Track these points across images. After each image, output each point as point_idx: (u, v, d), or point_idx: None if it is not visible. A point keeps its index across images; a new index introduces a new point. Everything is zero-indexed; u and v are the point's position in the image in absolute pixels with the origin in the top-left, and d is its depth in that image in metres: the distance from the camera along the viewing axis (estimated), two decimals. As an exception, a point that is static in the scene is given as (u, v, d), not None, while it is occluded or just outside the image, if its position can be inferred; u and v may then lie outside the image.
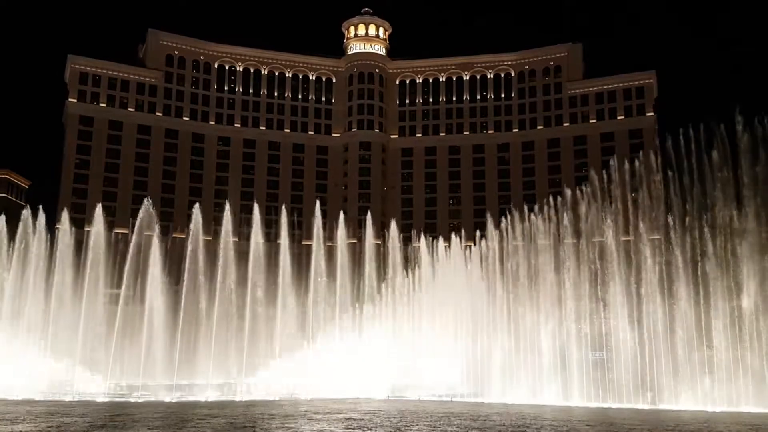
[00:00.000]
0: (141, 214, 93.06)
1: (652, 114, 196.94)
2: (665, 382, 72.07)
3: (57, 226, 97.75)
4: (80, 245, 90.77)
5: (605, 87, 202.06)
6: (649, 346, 73.68)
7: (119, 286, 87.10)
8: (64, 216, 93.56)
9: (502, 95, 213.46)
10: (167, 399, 71.85)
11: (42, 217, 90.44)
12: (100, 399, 71.28)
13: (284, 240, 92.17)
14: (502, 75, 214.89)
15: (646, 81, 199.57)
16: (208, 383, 79.16)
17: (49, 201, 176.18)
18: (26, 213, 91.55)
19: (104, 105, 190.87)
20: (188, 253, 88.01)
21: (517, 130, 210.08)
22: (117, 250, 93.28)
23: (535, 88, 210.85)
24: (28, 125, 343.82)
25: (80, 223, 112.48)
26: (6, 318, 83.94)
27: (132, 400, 70.50)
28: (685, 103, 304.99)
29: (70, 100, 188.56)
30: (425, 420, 50.04)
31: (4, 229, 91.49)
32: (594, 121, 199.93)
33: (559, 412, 60.66)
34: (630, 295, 75.41)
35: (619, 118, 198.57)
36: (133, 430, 41.80)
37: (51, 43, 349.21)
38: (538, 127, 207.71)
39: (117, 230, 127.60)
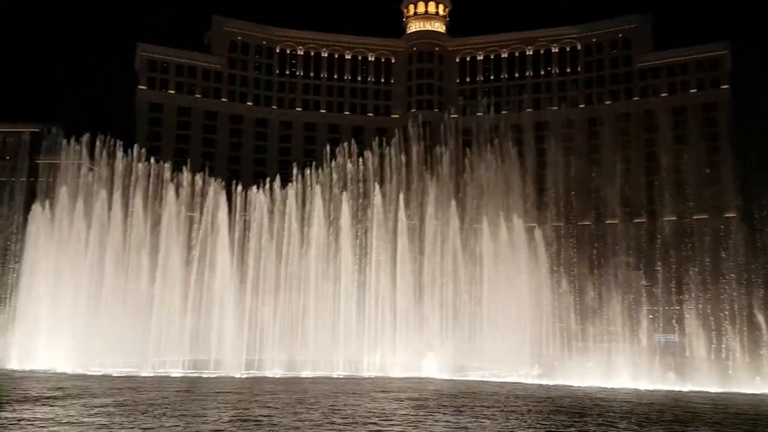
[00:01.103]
0: (209, 198, 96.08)
1: (726, 87, 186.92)
2: (740, 365, 69.09)
3: (131, 208, 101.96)
4: (151, 227, 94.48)
5: (677, 59, 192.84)
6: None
7: (189, 267, 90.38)
8: (137, 199, 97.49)
9: (568, 70, 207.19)
10: (237, 375, 74.37)
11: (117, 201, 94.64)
12: (175, 374, 74.55)
13: (346, 222, 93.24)
14: (568, 49, 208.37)
15: (720, 53, 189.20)
16: (274, 359, 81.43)
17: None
18: (102, 196, 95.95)
19: (173, 92, 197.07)
20: (252, 234, 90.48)
21: (583, 105, 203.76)
22: (189, 231, 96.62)
23: (603, 62, 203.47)
24: (101, 112, 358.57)
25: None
26: (86, 297, 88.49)
27: (204, 375, 73.29)
28: (762, 76, 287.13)
29: (140, 87, 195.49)
30: (488, 400, 49.86)
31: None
32: (665, 95, 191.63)
33: (629, 394, 59.20)
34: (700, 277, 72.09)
35: (691, 91, 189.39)
36: (207, 404, 43.56)
37: (121, 31, 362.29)
38: (606, 102, 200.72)
39: (187, 213, 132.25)
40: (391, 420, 37.57)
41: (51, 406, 41.08)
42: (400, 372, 78.25)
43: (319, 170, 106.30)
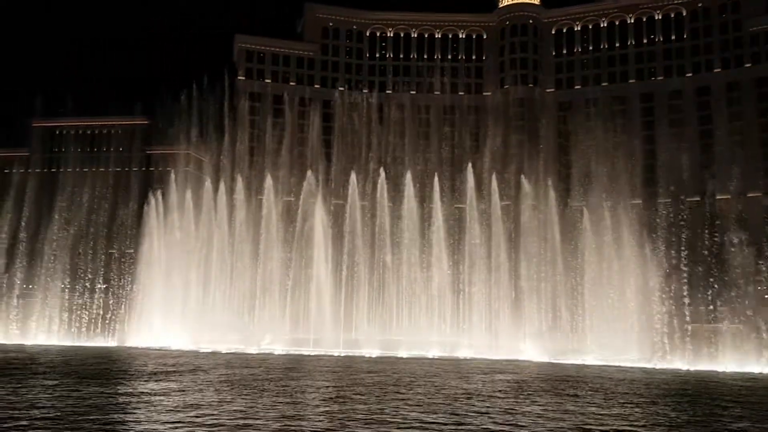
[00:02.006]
0: (305, 184, 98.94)
1: None
2: None
3: (234, 196, 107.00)
4: (253, 213, 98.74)
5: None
6: None
7: (289, 250, 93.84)
8: (239, 187, 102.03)
9: (673, 37, 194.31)
10: (335, 353, 76.67)
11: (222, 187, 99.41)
12: (278, 352, 77.90)
13: (437, 203, 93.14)
14: (672, 15, 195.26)
15: None
16: (371, 339, 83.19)
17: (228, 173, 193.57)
18: (208, 185, 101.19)
19: (269, 81, 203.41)
20: (348, 218, 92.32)
21: (690, 74, 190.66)
22: (288, 216, 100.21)
23: (711, 28, 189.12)
24: (202, 104, 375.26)
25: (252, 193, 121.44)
26: (196, 280, 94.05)
27: (305, 353, 76.12)
28: None
29: (239, 78, 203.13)
30: (589, 384, 48.58)
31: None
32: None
33: (741, 378, 55.68)
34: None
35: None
36: (307, 380, 45.25)
37: (218, 23, 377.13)
38: (715, 71, 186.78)
39: (285, 198, 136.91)
40: (493, 399, 37.50)
41: (165, 381, 44.23)
42: (500, 354, 77.63)
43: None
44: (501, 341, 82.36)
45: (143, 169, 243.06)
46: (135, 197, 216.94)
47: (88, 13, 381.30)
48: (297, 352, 76.31)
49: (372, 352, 78.65)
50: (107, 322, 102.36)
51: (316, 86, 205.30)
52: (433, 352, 78.30)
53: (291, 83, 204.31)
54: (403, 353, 78.11)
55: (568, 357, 79.72)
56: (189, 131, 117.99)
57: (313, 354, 74.46)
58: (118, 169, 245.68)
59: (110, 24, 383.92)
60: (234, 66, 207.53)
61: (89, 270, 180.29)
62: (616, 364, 73.44)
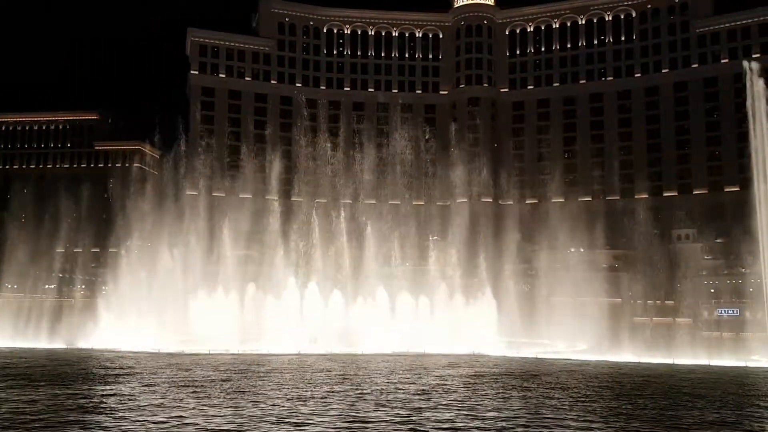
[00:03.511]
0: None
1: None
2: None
3: (187, 191, 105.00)
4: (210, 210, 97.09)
5: (738, 23, 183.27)
6: None
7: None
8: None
9: (623, 38, 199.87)
10: (293, 352, 76.07)
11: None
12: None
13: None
14: (622, 16, 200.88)
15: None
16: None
17: (179, 169, 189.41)
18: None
19: (223, 75, 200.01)
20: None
21: (639, 74, 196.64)
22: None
23: (660, 28, 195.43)
24: (155, 98, 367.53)
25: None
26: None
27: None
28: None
29: (192, 72, 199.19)
30: (553, 375, 49.56)
31: None
32: (726, 61, 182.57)
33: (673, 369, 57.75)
34: None
35: (755, 56, 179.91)
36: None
37: (172, 16, 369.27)
38: (664, 71, 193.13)
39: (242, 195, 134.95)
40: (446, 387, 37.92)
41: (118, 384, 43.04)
42: (458, 349, 78.26)
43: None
44: (461, 335, 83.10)
45: (92, 165, 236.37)
46: (84, 193, 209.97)
47: (35, 4, 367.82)
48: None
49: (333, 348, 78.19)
50: (57, 322, 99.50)
51: (273, 82, 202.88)
52: (395, 348, 78.31)
53: (247, 78, 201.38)
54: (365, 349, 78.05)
55: (522, 349, 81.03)
56: (140, 126, 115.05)
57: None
58: (66, 166, 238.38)
59: (59, 16, 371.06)
60: (187, 60, 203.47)
61: (39, 269, 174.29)
62: (576, 357, 75.08)
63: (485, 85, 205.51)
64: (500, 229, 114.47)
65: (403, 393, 38.95)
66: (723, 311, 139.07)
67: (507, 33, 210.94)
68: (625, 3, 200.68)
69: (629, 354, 73.43)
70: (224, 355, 70.50)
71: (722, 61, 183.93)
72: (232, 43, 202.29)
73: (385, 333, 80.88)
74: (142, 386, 41.22)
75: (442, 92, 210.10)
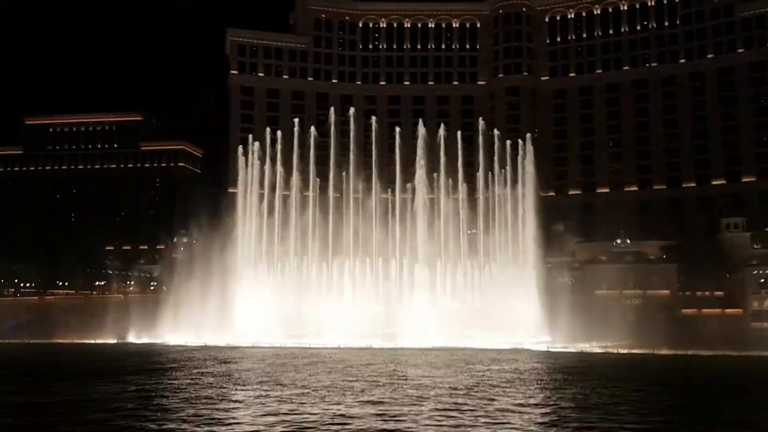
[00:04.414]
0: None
1: None
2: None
3: (229, 189, 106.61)
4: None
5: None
6: None
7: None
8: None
9: (666, 23, 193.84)
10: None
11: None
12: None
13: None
14: (665, 1, 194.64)
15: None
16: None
17: (222, 167, 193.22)
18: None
19: (262, 74, 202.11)
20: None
21: (684, 60, 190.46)
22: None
23: (703, 12, 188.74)
24: (196, 98, 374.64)
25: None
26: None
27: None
28: None
29: (231, 72, 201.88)
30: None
31: None
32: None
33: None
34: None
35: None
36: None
37: (211, 17, 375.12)
38: (708, 56, 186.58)
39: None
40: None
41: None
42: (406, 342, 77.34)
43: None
44: (419, 329, 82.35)
45: (138, 165, 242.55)
46: (132, 192, 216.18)
47: (73, 7, 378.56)
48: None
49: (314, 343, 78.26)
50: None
51: (310, 79, 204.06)
52: (371, 342, 77.76)
53: (284, 76, 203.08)
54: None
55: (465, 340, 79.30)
56: (182, 126, 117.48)
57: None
58: (113, 166, 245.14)
59: (98, 18, 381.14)
60: (227, 60, 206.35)
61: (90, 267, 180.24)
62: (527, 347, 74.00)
63: (525, 74, 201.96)
64: (543, 221, 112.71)
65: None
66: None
67: (547, 20, 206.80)
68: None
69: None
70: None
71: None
72: (270, 42, 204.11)
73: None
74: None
75: (480, 83, 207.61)
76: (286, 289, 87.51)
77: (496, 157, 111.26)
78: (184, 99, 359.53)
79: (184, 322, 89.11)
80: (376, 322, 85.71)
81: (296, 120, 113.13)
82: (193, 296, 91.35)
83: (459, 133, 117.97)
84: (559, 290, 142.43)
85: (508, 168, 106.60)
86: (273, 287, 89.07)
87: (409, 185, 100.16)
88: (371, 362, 55.27)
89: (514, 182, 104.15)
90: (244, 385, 39.75)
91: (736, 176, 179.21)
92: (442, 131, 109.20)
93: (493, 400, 34.66)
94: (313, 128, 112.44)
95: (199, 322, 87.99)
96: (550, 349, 74.95)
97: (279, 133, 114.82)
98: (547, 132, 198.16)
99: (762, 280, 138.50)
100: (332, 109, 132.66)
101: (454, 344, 76.47)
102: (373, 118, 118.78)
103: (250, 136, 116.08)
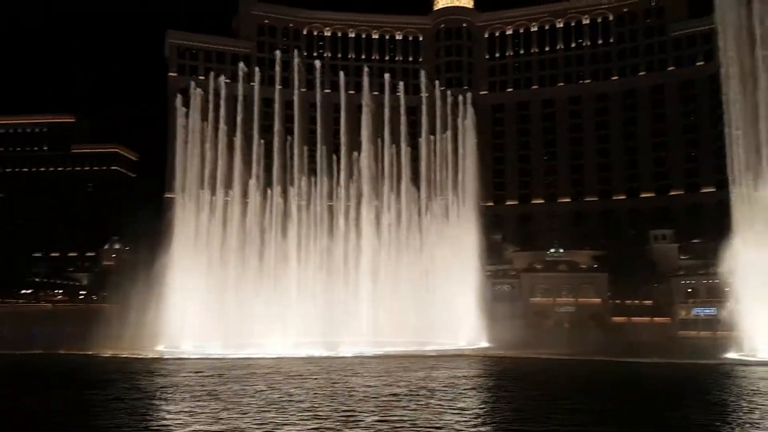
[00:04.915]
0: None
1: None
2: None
3: (165, 194, 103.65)
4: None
5: (714, 26, 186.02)
6: None
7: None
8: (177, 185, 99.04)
9: (600, 41, 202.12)
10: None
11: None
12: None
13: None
14: (599, 20, 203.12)
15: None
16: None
17: (158, 172, 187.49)
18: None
19: (202, 78, 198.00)
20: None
21: (616, 77, 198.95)
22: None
23: (636, 31, 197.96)
24: (133, 100, 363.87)
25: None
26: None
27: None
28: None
29: (170, 74, 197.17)
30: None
31: None
32: (702, 63, 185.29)
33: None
34: None
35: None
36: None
37: (151, 18, 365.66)
38: (640, 74, 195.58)
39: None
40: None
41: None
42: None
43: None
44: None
45: (69, 168, 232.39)
46: (62, 196, 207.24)
47: (8, 7, 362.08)
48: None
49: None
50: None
51: (252, 84, 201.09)
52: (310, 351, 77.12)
53: (226, 80, 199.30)
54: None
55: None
56: (118, 129, 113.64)
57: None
58: (43, 169, 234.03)
59: (33, 17, 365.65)
60: (166, 62, 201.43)
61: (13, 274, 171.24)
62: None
63: (465, 87, 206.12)
64: (483, 230, 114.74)
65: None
66: (700, 311, 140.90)
67: (486, 36, 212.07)
68: (602, 6, 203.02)
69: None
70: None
71: (698, 63, 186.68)
72: (211, 45, 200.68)
73: None
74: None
75: (422, 95, 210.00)
76: (224, 297, 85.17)
77: (437, 168, 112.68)
78: (121, 101, 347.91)
79: (114, 332, 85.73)
80: (318, 329, 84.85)
81: (237, 124, 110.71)
82: (126, 305, 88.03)
83: (403, 145, 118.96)
84: (498, 297, 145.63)
85: (449, 178, 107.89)
86: (211, 295, 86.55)
87: (352, 200, 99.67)
88: (314, 373, 54.63)
89: (455, 190, 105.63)
90: (175, 400, 38.40)
91: (664, 190, 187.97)
92: (387, 140, 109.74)
93: (429, 407, 34.86)
94: (255, 132, 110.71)
95: (130, 333, 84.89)
96: (489, 355, 76.07)
97: (219, 136, 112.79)
98: (487, 145, 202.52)
99: (689, 290, 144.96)
100: (276, 115, 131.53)
101: (395, 351, 76.58)
102: (318, 124, 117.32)
103: (189, 140, 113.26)
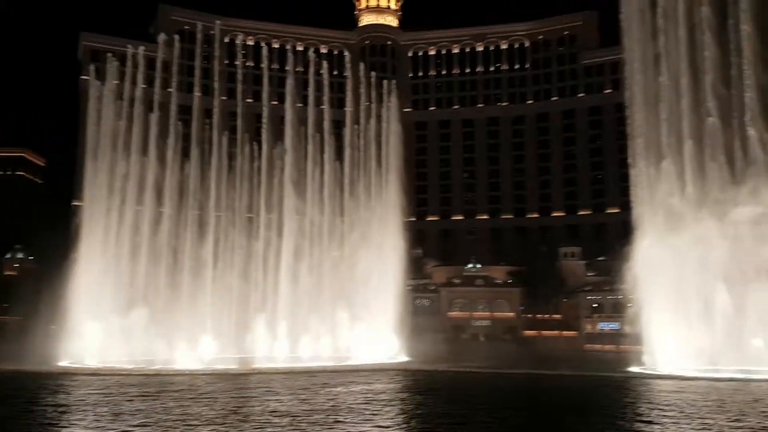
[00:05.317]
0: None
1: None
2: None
3: (73, 202, 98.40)
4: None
5: (621, 56, 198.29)
6: None
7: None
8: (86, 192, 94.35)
9: (516, 66, 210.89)
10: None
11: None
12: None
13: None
14: (516, 45, 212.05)
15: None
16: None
17: (67, 178, 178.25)
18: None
19: (117, 82, 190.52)
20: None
21: (531, 101, 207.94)
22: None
23: (550, 59, 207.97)
24: (42, 104, 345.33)
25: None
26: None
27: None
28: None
29: (82, 77, 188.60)
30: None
31: None
32: (609, 91, 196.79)
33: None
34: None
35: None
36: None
37: (65, 20, 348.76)
38: (553, 99, 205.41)
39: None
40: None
41: None
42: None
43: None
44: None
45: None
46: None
47: None
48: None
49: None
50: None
51: (169, 90, 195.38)
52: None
53: (142, 86, 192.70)
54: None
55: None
56: (24, 132, 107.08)
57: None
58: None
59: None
60: (79, 65, 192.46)
61: None
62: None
63: (389, 104, 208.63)
64: (404, 246, 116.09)
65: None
66: (605, 325, 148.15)
67: (410, 55, 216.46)
68: (519, 33, 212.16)
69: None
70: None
71: (606, 91, 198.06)
72: (128, 49, 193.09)
73: None
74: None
75: (347, 109, 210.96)
76: (134, 308, 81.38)
77: (361, 182, 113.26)
78: (30, 105, 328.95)
79: (15, 347, 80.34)
80: (233, 344, 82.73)
81: (151, 130, 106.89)
82: (29, 318, 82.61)
83: (326, 157, 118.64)
84: (418, 312, 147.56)
85: (372, 192, 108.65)
86: (119, 308, 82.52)
87: (273, 212, 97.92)
88: (226, 390, 53.22)
89: (379, 204, 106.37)
90: (76, 419, 36.45)
91: (573, 209, 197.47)
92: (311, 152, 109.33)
93: (348, 422, 34.83)
94: (171, 140, 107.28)
95: (33, 347, 79.75)
96: (408, 369, 76.77)
97: (132, 143, 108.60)
98: (410, 161, 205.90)
99: (594, 305, 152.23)
100: (193, 123, 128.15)
101: (313, 366, 75.85)
102: (238, 134, 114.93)
103: (100, 147, 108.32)
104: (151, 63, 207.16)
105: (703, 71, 76.35)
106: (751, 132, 72.44)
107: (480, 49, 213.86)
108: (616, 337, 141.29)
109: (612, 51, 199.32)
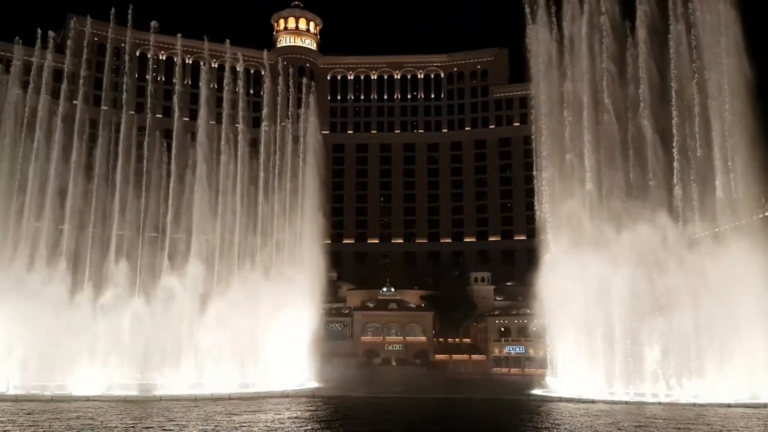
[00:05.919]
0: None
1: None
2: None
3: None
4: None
5: (529, 92, 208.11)
6: None
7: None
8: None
9: (432, 95, 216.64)
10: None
11: None
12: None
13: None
14: (432, 75, 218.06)
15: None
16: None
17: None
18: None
19: (19, 92, 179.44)
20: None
21: (446, 130, 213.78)
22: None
23: (463, 90, 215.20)
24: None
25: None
26: None
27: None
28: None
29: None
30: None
31: None
32: (518, 124, 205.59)
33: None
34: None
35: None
36: None
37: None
38: (466, 128, 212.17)
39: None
40: None
41: None
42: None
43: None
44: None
45: None
46: None
47: None
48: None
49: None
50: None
51: (75, 102, 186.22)
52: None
53: (46, 96, 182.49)
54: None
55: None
56: None
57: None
58: None
59: None
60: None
61: None
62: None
63: (306, 124, 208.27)
64: (318, 269, 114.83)
65: None
66: (511, 349, 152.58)
67: (329, 78, 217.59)
68: (435, 64, 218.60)
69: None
70: None
71: (514, 124, 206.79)
72: (31, 58, 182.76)
73: None
74: None
75: (264, 129, 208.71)
76: (31, 327, 75.59)
77: (276, 202, 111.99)
78: None
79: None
80: (134, 369, 78.52)
81: (56, 143, 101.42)
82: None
83: (239, 178, 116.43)
84: (331, 336, 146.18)
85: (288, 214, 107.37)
86: (15, 324, 76.41)
87: (181, 232, 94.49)
88: (125, 418, 50.41)
89: (294, 224, 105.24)
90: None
91: (484, 236, 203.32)
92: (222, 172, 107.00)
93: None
94: (75, 154, 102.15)
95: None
96: (317, 396, 75.65)
97: (34, 156, 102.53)
98: (327, 183, 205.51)
99: (502, 329, 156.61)
100: (100, 137, 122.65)
101: (218, 392, 73.13)
102: (145, 149, 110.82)
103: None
104: (57, 73, 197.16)
105: (605, 106, 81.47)
106: (651, 161, 77.62)
107: (397, 77, 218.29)
108: (522, 360, 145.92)
109: (521, 87, 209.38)
